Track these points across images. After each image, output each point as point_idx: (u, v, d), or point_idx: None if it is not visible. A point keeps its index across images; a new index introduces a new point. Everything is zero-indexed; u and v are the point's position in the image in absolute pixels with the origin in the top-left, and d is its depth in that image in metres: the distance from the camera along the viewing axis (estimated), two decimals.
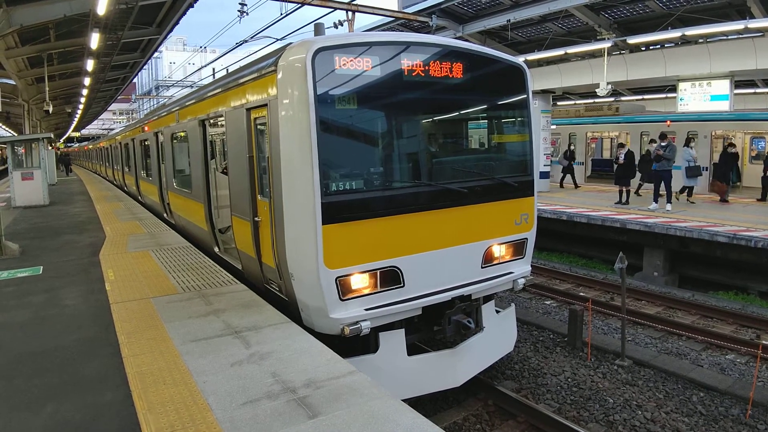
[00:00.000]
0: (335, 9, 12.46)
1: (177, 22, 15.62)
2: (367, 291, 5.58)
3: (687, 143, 17.43)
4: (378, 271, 5.59)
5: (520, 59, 7.18)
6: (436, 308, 6.07)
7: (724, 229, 12.05)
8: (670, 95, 24.76)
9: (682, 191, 17.36)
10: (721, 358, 8.57)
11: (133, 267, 7.70)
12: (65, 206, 16.37)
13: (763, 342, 8.45)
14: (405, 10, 18.01)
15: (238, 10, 14.92)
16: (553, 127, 23.06)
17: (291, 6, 12.82)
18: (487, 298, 6.95)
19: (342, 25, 14.13)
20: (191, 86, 37.30)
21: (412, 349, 6.26)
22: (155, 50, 20.97)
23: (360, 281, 5.52)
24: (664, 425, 6.55)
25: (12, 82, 19.50)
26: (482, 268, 6.52)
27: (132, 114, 70.27)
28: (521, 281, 6.97)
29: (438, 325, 6.30)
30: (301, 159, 5.22)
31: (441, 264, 6.05)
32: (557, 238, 16.31)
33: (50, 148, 28.61)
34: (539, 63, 20.69)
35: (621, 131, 23.04)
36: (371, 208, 5.55)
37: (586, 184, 23.70)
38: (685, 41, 17.25)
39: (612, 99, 27.70)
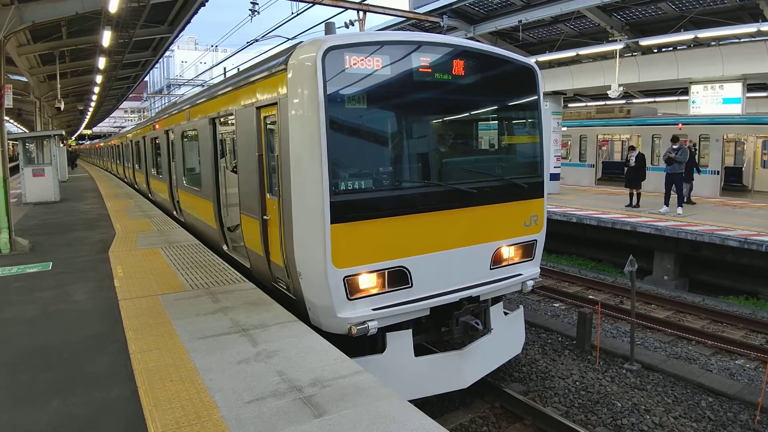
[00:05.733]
0: (346, 9, 12.44)
1: (189, 21, 15.68)
2: (374, 291, 5.56)
3: None
4: (386, 271, 5.57)
5: (531, 60, 7.13)
6: (444, 309, 6.04)
7: (735, 233, 11.93)
8: (682, 98, 24.59)
9: None
10: (731, 363, 8.48)
11: (142, 264, 7.73)
12: (76, 203, 16.49)
13: None
14: (416, 11, 17.97)
15: (250, 10, 14.96)
16: (564, 129, 22.96)
17: (302, 5, 12.81)
18: (495, 300, 6.91)
19: (353, 24, 14.13)
20: (202, 85, 37.47)
21: (420, 350, 6.23)
22: (167, 49, 21.08)
23: (368, 281, 5.50)
24: (672, 430, 6.48)
25: (24, 79, 19.64)
26: (491, 269, 6.49)
27: (143, 112, 70.70)
28: (530, 283, 6.93)
29: (446, 326, 6.27)
30: (310, 158, 5.21)
31: (449, 265, 6.02)
32: (567, 241, 16.22)
33: (62, 145, 28.82)
34: (550, 64, 20.62)
35: (632, 134, 22.90)
36: (380, 208, 5.53)
37: (596, 187, 23.58)
38: (697, 44, 17.14)
39: (623, 101, 27.57)
